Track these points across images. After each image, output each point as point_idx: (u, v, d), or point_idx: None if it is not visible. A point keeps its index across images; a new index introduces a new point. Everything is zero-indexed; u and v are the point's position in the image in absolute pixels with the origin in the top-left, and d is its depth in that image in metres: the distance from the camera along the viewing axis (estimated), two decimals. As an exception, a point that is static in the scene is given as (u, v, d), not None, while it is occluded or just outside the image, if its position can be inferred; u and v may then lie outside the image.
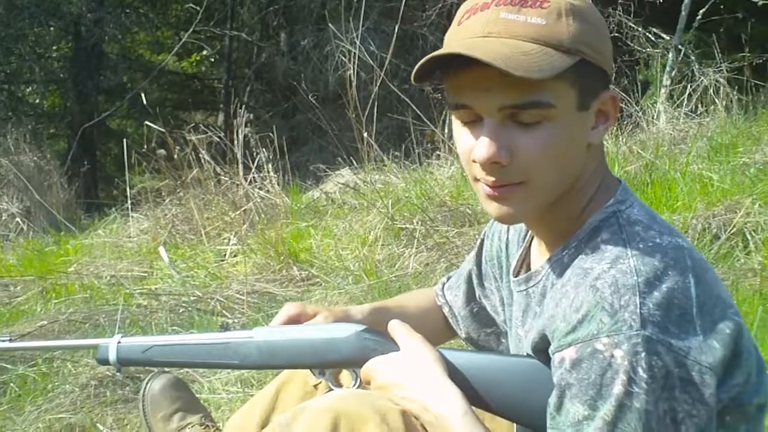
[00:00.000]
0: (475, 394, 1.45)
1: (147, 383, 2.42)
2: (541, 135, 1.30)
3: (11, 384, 3.48)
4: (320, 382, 1.79)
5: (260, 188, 5.77)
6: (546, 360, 1.34)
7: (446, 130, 5.87)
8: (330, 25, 6.56)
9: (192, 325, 3.85)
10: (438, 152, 6.08)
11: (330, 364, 1.61)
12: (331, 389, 1.68)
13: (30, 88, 15.41)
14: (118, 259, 5.49)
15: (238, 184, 5.69)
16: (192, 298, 4.34)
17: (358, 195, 5.30)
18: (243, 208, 5.45)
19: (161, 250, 5.29)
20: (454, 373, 1.46)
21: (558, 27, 1.28)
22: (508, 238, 1.70)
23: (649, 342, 1.18)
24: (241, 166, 5.75)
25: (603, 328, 1.21)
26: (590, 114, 1.34)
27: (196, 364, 1.73)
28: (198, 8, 12.38)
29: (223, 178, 5.79)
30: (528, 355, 1.43)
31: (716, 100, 6.60)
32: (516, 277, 1.56)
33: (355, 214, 5.06)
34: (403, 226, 4.50)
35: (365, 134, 5.16)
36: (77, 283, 4.81)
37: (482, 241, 1.81)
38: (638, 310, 1.20)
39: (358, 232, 4.71)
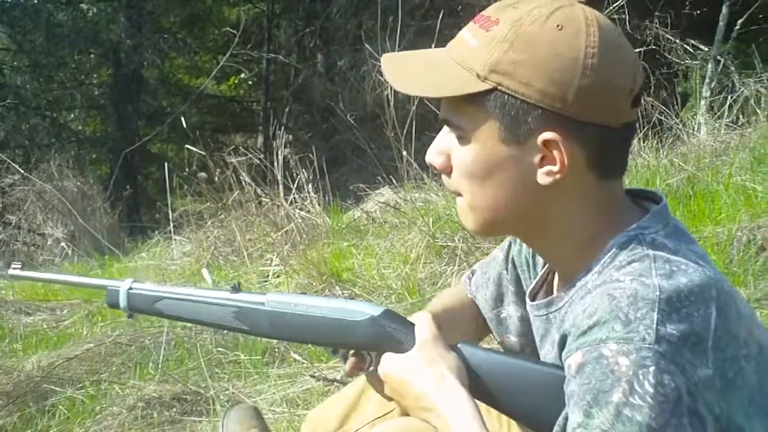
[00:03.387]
0: (491, 397, 1.41)
1: (225, 414, 2.45)
2: (462, 151, 1.31)
3: (60, 407, 3.52)
4: None
5: (301, 209, 5.80)
6: None
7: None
8: (366, 45, 6.59)
9: (237, 346, 3.87)
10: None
11: (344, 345, 1.55)
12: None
13: (72, 114, 15.71)
14: (162, 282, 5.54)
15: (279, 205, 5.72)
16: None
17: (399, 213, 5.31)
18: (284, 229, 5.47)
19: (204, 272, 5.33)
20: (471, 374, 1.40)
21: (481, 52, 1.24)
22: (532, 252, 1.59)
23: (661, 358, 1.09)
24: (281, 187, 5.78)
25: (612, 335, 1.12)
26: (528, 151, 1.25)
27: (207, 323, 1.68)
28: (235, 32, 12.54)
29: (264, 199, 5.83)
30: (555, 366, 1.33)
31: (757, 110, 6.53)
32: (533, 300, 1.47)
33: (396, 233, 5.05)
34: (445, 243, 4.48)
35: (404, 153, 5.16)
36: (122, 306, 4.85)
37: (510, 244, 1.67)
38: (654, 326, 1.11)
39: (399, 250, 4.70)
